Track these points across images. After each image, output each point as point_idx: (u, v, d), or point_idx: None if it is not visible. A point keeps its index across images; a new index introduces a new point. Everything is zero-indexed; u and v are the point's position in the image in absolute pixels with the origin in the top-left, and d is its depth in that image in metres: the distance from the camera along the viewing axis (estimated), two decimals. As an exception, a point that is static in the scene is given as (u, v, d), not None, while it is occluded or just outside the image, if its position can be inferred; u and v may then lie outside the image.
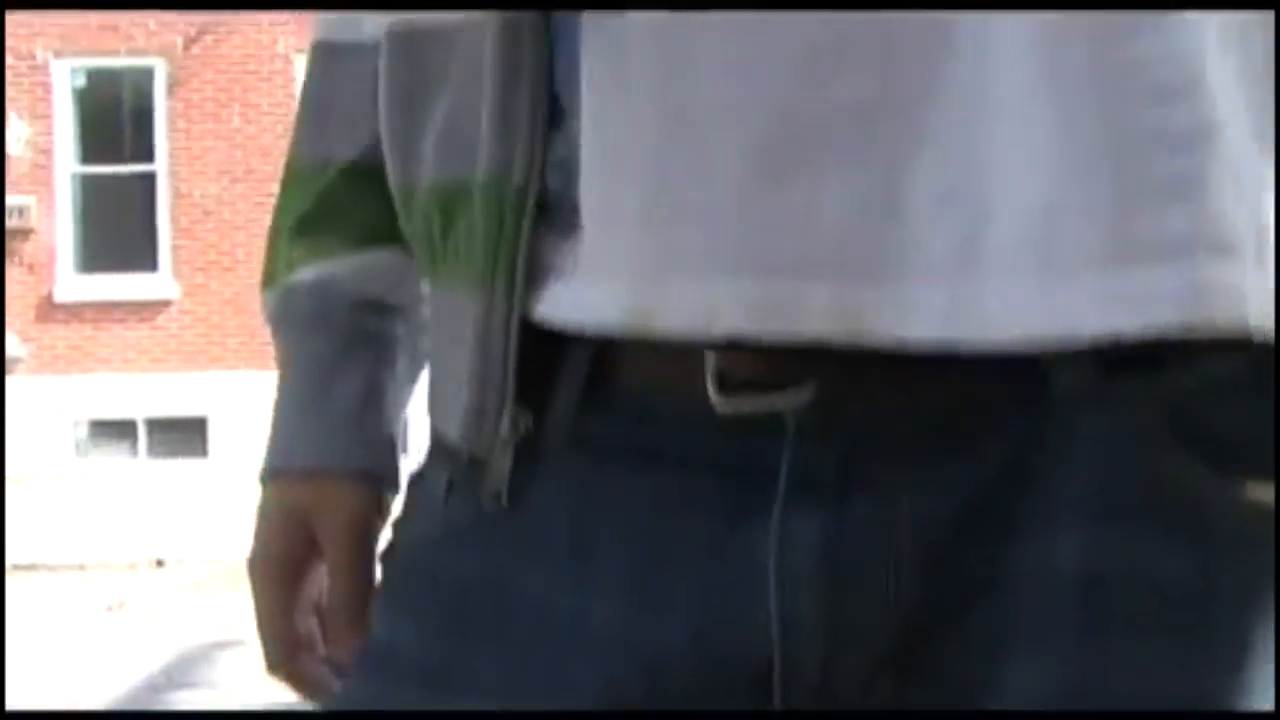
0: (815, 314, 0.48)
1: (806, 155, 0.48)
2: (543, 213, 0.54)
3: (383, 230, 0.69)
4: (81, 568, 6.28)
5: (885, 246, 0.48)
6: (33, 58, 11.85)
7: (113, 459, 11.53)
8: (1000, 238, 0.47)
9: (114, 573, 6.11)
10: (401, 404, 0.75)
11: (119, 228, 12.03)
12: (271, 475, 0.72)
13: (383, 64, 0.62)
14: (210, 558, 6.03)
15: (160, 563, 6.36)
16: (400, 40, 0.61)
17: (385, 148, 0.62)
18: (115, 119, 12.29)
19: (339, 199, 0.73)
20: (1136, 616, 0.49)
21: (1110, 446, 0.50)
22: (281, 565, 0.71)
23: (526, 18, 0.54)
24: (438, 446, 0.62)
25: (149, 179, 12.04)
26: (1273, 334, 0.48)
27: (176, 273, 11.99)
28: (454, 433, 0.58)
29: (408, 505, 0.65)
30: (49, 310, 11.88)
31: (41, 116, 11.94)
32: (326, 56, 0.74)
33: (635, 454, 0.54)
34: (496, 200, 0.55)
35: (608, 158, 0.52)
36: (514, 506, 0.56)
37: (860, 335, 0.48)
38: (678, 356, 0.51)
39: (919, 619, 0.51)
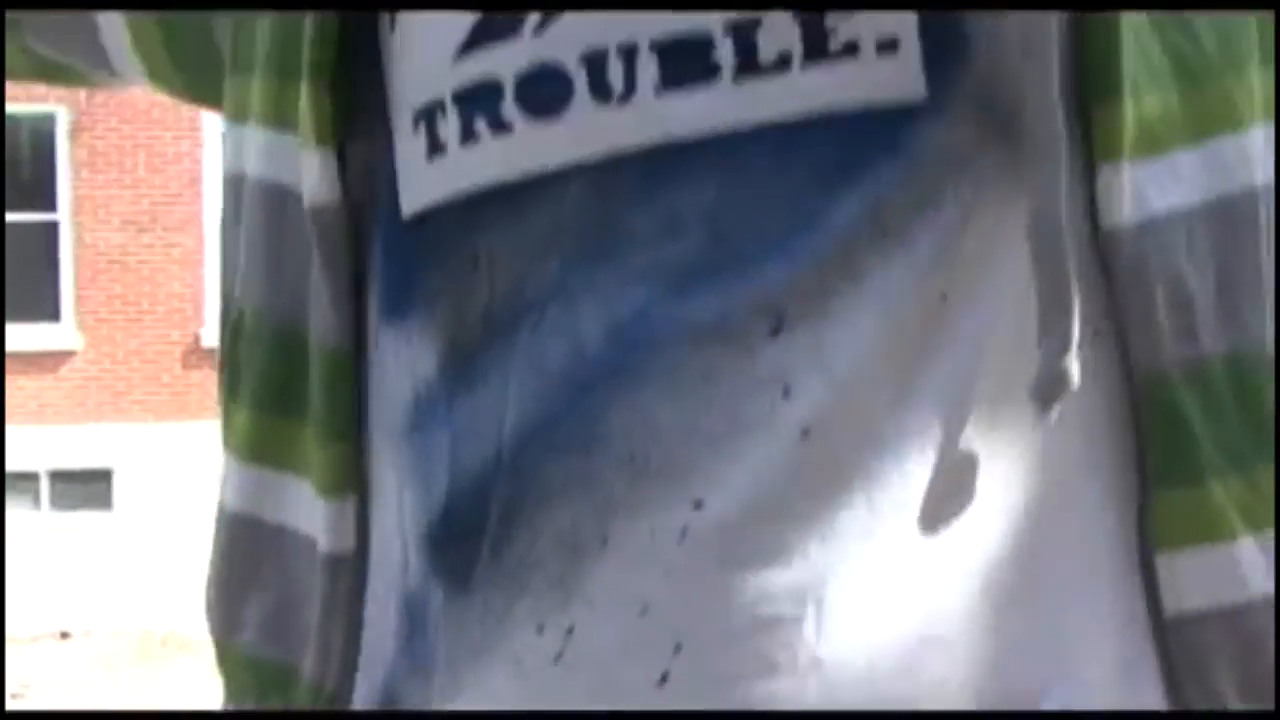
0: None
1: None
2: None
3: None
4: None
5: None
6: (-70, 105, 11.66)
7: (15, 511, 11.33)
8: None
9: (17, 647, 6.02)
10: None
11: (20, 277, 11.85)
12: None
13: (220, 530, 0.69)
14: (117, 629, 5.97)
15: (65, 635, 6.28)
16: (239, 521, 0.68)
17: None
18: (15, 167, 12.13)
19: None
20: None
21: None
22: None
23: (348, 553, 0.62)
24: None
25: (51, 228, 11.90)
26: None
27: (80, 323, 11.84)
28: None
29: None
30: (-53, 361, 11.68)
31: (-61, 165, 11.77)
32: None
33: None
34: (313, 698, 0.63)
35: None
36: None
37: None
38: None
39: None
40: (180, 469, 11.21)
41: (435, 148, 0.56)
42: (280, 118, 0.62)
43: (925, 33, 0.52)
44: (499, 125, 0.55)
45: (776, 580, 0.52)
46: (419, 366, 0.58)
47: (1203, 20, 0.56)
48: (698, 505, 0.52)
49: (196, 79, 0.78)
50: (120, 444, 11.45)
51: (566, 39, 0.54)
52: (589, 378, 0.54)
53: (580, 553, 0.53)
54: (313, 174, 0.59)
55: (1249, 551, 0.56)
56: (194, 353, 11.84)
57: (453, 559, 0.57)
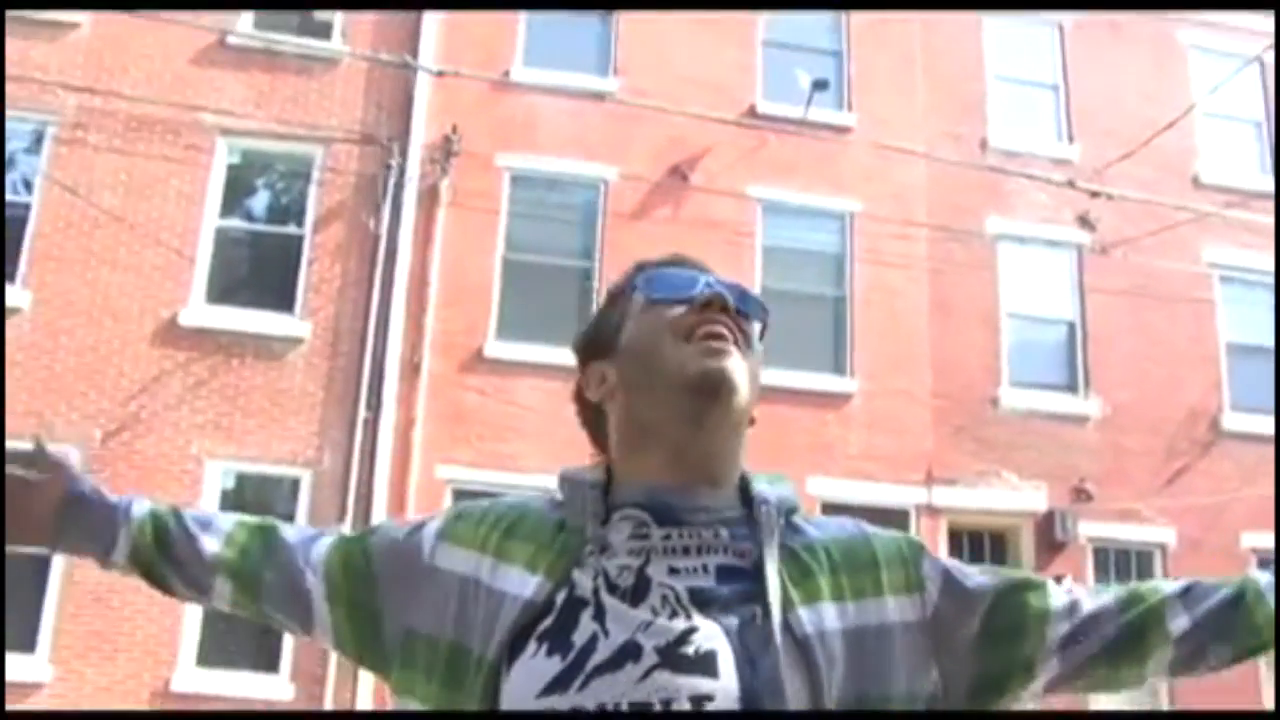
0: None
1: None
2: None
3: None
4: None
5: None
6: (-46, 437, 12.40)
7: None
8: None
9: None
10: None
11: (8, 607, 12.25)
12: None
13: None
14: None
15: None
16: None
17: None
18: (22, 500, 12.71)
19: None
20: None
21: None
22: None
23: None
24: None
25: (43, 561, 12.36)
26: None
27: (54, 656, 12.13)
28: None
29: None
30: (-81, 684, 11.90)
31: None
32: None
33: None
34: None
35: None
36: None
37: None
38: None
39: None
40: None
41: None
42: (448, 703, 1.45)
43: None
44: None
45: None
46: None
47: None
48: None
49: (363, 651, 1.61)
50: (71, 782, 11.50)
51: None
52: None
53: None
54: None
55: None
56: (162, 695, 12.08)
57: None
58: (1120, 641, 1.53)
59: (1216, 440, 16.03)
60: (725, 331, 1.50)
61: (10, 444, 1.74)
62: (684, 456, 1.50)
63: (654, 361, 1.51)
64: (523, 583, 1.43)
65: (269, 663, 12.32)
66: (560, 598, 1.41)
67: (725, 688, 1.33)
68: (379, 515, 13.00)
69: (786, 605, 1.41)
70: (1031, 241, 16.14)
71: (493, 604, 1.44)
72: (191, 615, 12.34)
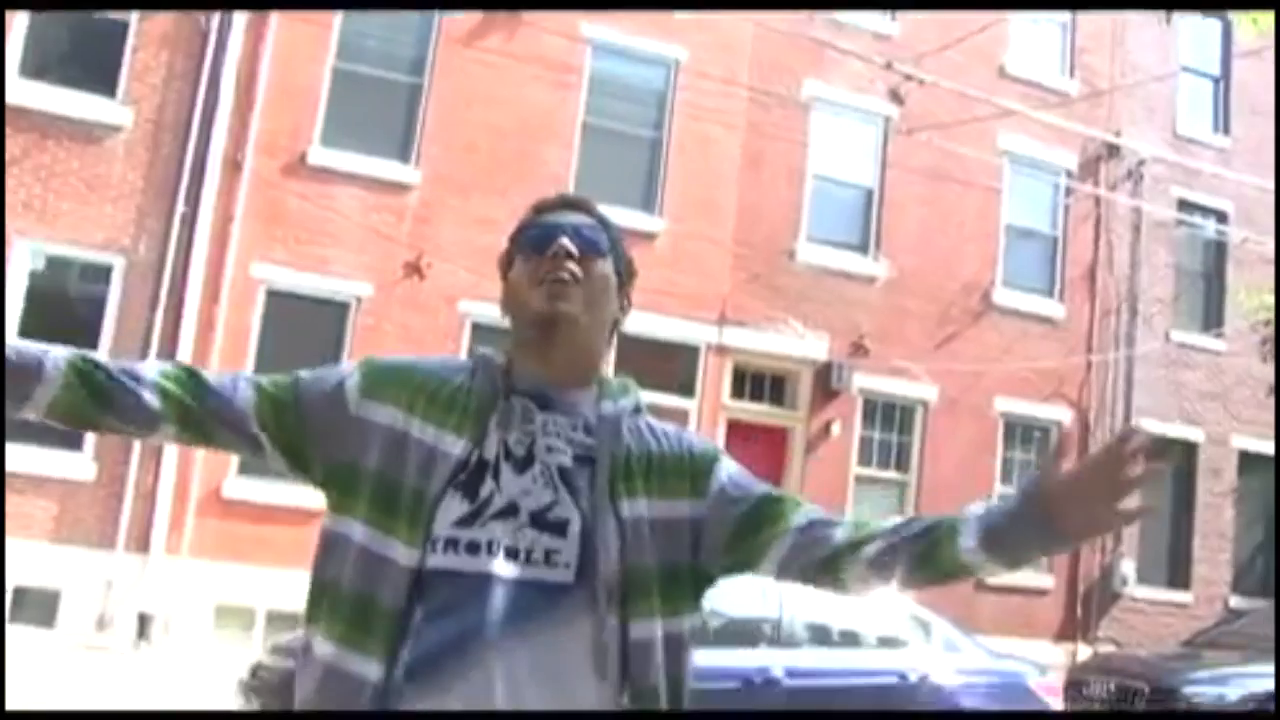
0: None
1: None
2: None
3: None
4: None
5: None
6: None
7: None
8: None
9: None
10: None
11: None
12: None
13: None
14: None
15: None
16: None
17: None
18: None
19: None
20: None
21: None
22: None
23: None
24: None
25: None
26: None
27: None
28: None
29: None
30: None
31: None
32: None
33: None
34: None
35: None
36: None
37: None
38: None
39: None
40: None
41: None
42: (383, 527, 2.00)
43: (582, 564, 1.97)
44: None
45: None
46: None
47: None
48: None
49: (300, 477, 2.18)
50: None
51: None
52: None
53: None
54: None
55: None
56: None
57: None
58: (818, 564, 2.07)
59: (986, 312, 17.39)
60: (565, 275, 2.07)
61: None
62: (548, 364, 2.09)
63: (519, 300, 2.10)
64: (453, 443, 2.01)
65: (73, 440, 12.56)
66: (473, 458, 2.00)
67: (569, 547, 1.96)
68: (191, 309, 13.23)
69: (615, 495, 2.02)
70: (843, 109, 16.95)
71: (424, 453, 2.00)
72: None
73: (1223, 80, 19.83)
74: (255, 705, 7.86)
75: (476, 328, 14.41)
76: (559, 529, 1.97)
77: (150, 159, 13.35)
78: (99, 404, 2.02)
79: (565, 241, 2.10)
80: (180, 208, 13.27)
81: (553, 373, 2.09)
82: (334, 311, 14.09)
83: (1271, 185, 18.29)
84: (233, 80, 13.68)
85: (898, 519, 2.08)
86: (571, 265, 2.09)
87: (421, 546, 1.94)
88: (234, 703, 8.27)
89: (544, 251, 2.09)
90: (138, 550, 12.75)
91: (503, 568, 1.93)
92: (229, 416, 2.08)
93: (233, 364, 13.44)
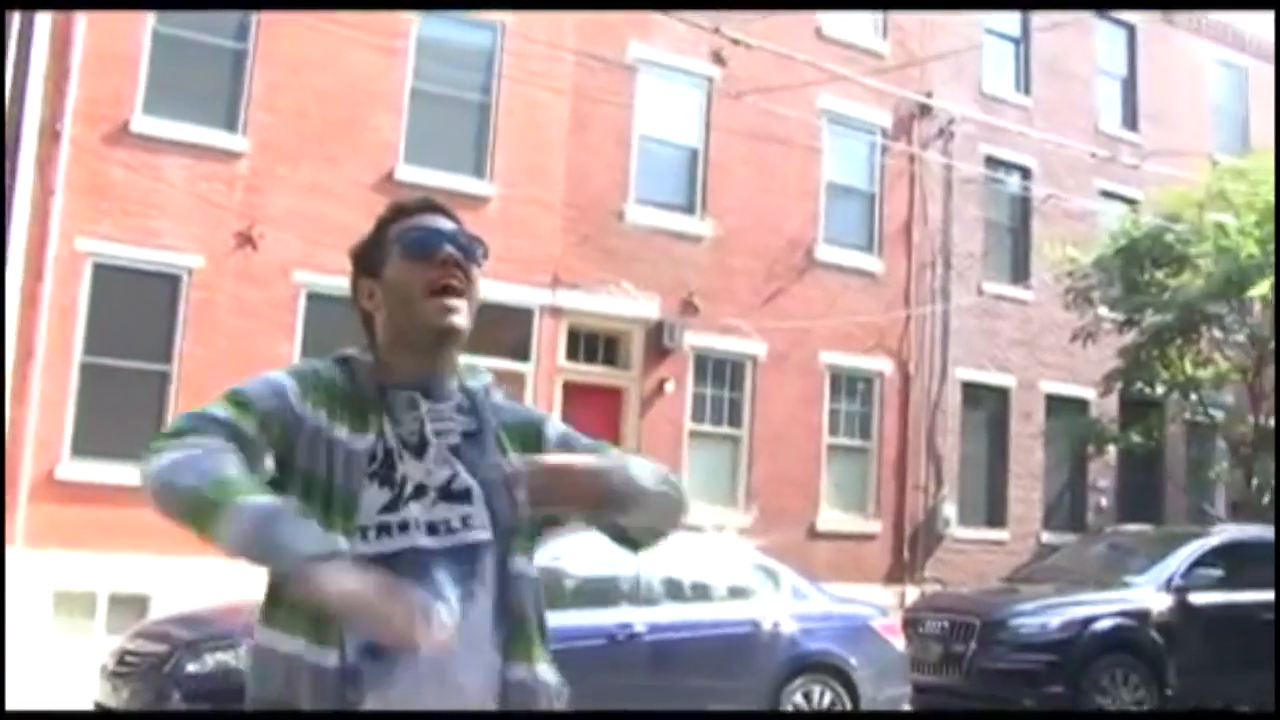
0: None
1: None
2: None
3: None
4: None
5: None
6: None
7: None
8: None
9: None
10: None
11: None
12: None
13: None
14: None
15: None
16: None
17: None
18: None
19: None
20: None
21: None
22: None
23: None
24: None
25: None
26: None
27: None
28: None
29: None
30: None
31: None
32: None
33: None
34: None
35: None
36: None
37: None
38: None
39: None
40: None
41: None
42: (327, 524, 2.13)
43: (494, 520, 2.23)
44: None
45: None
46: None
47: None
48: None
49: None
50: None
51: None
52: None
53: None
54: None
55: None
56: None
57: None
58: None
59: (809, 268, 17.94)
60: (456, 283, 2.24)
61: None
62: (432, 360, 2.28)
63: (409, 306, 2.24)
64: (357, 439, 2.19)
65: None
66: (379, 450, 2.19)
67: (477, 510, 2.21)
68: (13, 286, 12.70)
69: (501, 455, 2.27)
70: (668, 71, 17.19)
71: (344, 451, 2.16)
72: None
73: (1023, 42, 20.74)
74: (124, 692, 7.75)
75: (312, 297, 14.22)
76: (464, 497, 2.22)
77: (-41, 129, 12.75)
78: None
79: (453, 250, 2.27)
80: (-4, 180, 12.73)
81: (434, 369, 2.29)
82: (165, 285, 13.71)
83: (1070, 142, 19.31)
84: (45, 45, 13.11)
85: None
86: (459, 274, 2.26)
87: (352, 536, 2.11)
88: (97, 690, 8.12)
89: (430, 257, 2.25)
90: (-32, 540, 12.28)
91: (429, 541, 2.16)
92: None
93: (61, 343, 13.03)
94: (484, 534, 2.20)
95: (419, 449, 2.22)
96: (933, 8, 18.96)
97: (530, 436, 2.38)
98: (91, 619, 12.73)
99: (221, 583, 9.97)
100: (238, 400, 2.16)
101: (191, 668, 7.61)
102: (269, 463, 2.18)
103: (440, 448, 2.23)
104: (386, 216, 2.34)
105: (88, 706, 8.21)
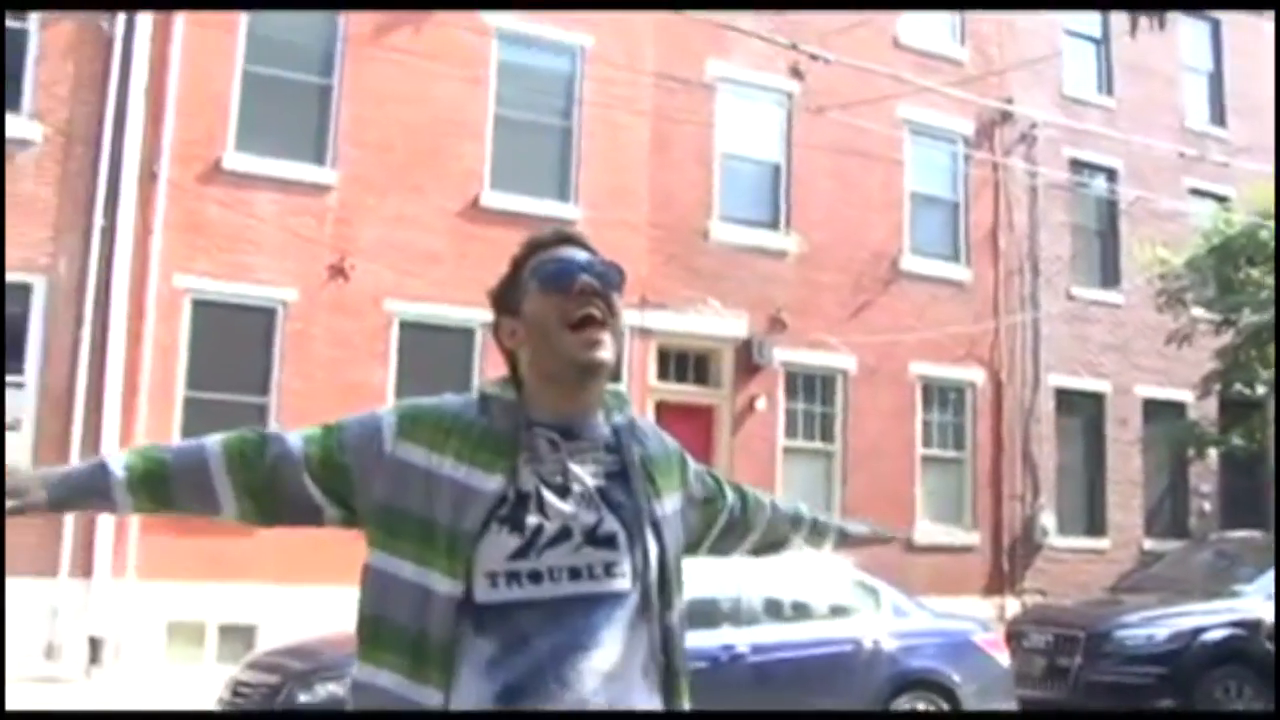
0: None
1: None
2: None
3: None
4: None
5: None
6: None
7: None
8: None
9: None
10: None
11: None
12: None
13: None
14: None
15: None
16: None
17: None
18: None
19: None
20: None
21: None
22: None
23: None
24: None
25: None
26: None
27: None
28: None
29: None
30: None
31: None
32: None
33: None
34: None
35: None
36: None
37: None
38: None
39: None
40: None
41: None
42: (424, 561, 2.11)
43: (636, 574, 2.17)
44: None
45: None
46: None
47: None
48: None
49: (271, 516, 2.30)
50: None
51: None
52: None
53: None
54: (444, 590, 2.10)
55: None
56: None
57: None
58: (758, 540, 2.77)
59: (896, 279, 17.84)
60: (596, 313, 2.18)
61: None
62: (576, 398, 2.21)
63: (550, 341, 2.18)
64: (485, 480, 2.10)
65: (6, 466, 12.37)
66: (511, 492, 2.10)
67: (622, 557, 2.13)
68: (118, 324, 13.05)
69: (648, 499, 2.21)
70: (747, 87, 17.21)
71: (457, 492, 2.09)
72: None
73: (1104, 43, 20.48)
74: (241, 725, 7.92)
75: (404, 325, 14.45)
76: (611, 542, 2.13)
77: (62, 173, 13.12)
78: (158, 502, 2.24)
79: (590, 279, 2.21)
80: (99, 222, 13.07)
81: (578, 407, 2.22)
82: (261, 318, 14.00)
83: (1156, 141, 19.01)
84: (143, 87, 13.47)
85: (784, 505, 2.83)
86: (599, 303, 2.20)
87: (464, 579, 2.06)
88: (210, 722, 8.31)
89: (568, 289, 2.19)
90: (81, 575, 12.58)
91: (570, 588, 2.09)
92: (289, 482, 2.21)
93: (163, 378, 13.33)
94: (623, 585, 2.14)
95: (562, 490, 2.14)
96: (1000, 7, 18.67)
97: (676, 468, 2.37)
98: (201, 648, 12.99)
99: (325, 612, 10.24)
100: (326, 427, 2.24)
101: (303, 698, 7.72)
102: (360, 484, 2.18)
103: (585, 490, 2.16)
104: (522, 253, 2.29)
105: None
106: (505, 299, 2.28)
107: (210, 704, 8.46)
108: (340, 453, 2.18)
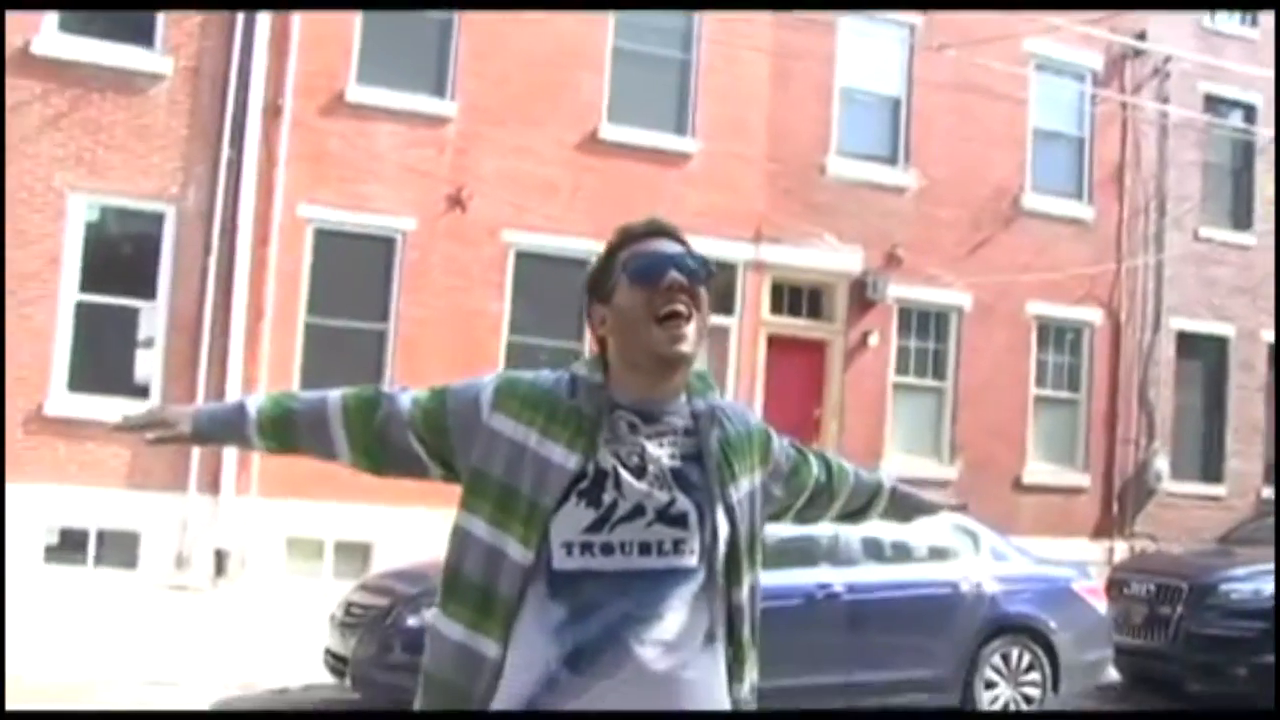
0: None
1: None
2: None
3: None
4: None
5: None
6: None
7: None
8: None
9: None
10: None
11: None
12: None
13: None
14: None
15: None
16: None
17: None
18: (-121, 219, 12.71)
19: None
20: None
21: None
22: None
23: None
24: None
25: (-92, 281, 12.47)
26: None
27: (-76, 373, 12.44)
28: None
29: None
30: None
31: None
32: None
33: None
34: None
35: None
36: None
37: None
38: None
39: None
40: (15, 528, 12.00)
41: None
42: (500, 525, 2.28)
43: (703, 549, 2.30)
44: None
45: None
46: None
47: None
48: None
49: (381, 467, 2.55)
50: (-54, 491, 12.09)
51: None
52: None
53: None
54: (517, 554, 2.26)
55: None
56: (35, 420, 12.72)
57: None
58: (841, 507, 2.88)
59: (1016, 217, 17.56)
60: (682, 309, 2.27)
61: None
62: (657, 386, 2.33)
63: (636, 332, 2.29)
64: (566, 457, 2.25)
65: (140, 390, 13.03)
66: (590, 469, 2.24)
67: (691, 535, 2.25)
68: (243, 252, 13.51)
69: (721, 483, 2.32)
70: (868, 21, 16.97)
71: (540, 466, 2.24)
72: (63, 342, 12.90)
73: (1249, -30, 19.70)
74: (351, 641, 8.29)
75: (520, 256, 14.71)
76: (681, 521, 2.25)
77: (192, 106, 13.54)
78: (286, 443, 2.56)
79: (678, 275, 2.30)
80: (225, 153, 13.48)
81: (659, 394, 2.34)
82: (380, 247, 14.37)
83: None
84: (267, 23, 13.80)
85: (867, 475, 2.92)
86: (685, 298, 2.28)
87: (536, 547, 2.21)
88: (327, 637, 8.70)
89: (656, 283, 2.28)
90: (209, 491, 13.19)
91: (641, 562, 2.22)
92: (398, 439, 2.43)
93: (287, 305, 13.79)
94: (691, 561, 2.25)
95: (639, 471, 2.25)
96: (975, 8, 17.83)
97: (757, 448, 2.47)
98: (320, 563, 13.55)
99: (436, 534, 10.56)
100: (433, 390, 2.45)
101: (411, 621, 8.01)
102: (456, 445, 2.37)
103: (660, 471, 2.27)
104: (614, 242, 2.40)
105: (319, 651, 8.77)
106: (598, 286, 2.39)
107: (324, 619, 8.84)
108: (443, 416, 2.38)
